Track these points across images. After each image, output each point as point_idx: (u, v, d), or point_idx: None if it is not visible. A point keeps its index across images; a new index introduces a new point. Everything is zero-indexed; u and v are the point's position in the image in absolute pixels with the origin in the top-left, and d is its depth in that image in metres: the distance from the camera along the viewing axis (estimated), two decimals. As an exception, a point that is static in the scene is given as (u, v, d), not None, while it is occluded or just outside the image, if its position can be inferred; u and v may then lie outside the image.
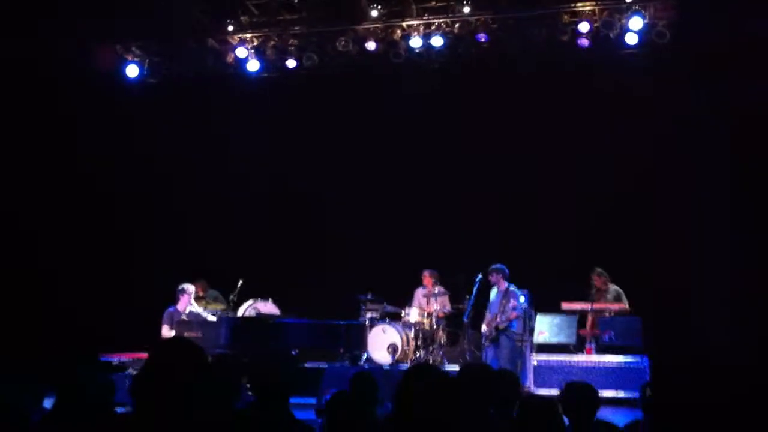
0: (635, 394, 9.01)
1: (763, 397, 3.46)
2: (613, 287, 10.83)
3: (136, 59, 12.27)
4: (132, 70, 12.20)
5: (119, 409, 3.67)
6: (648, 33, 10.72)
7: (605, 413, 4.68)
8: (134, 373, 8.99)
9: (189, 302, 10.08)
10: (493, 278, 10.28)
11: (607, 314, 10.51)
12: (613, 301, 10.68)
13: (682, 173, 10.65)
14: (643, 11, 10.67)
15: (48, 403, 3.92)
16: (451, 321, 11.10)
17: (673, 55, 10.39)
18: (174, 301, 10.04)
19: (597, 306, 10.61)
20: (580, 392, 4.32)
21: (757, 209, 9.90)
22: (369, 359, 10.68)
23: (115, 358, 9.31)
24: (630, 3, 10.66)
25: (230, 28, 11.74)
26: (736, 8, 9.25)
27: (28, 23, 10.30)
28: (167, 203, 12.30)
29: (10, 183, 11.20)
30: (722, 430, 3.48)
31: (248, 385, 4.01)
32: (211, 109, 12.49)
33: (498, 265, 10.28)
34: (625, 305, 10.56)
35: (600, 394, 4.49)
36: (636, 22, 10.67)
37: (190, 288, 10.15)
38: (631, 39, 10.85)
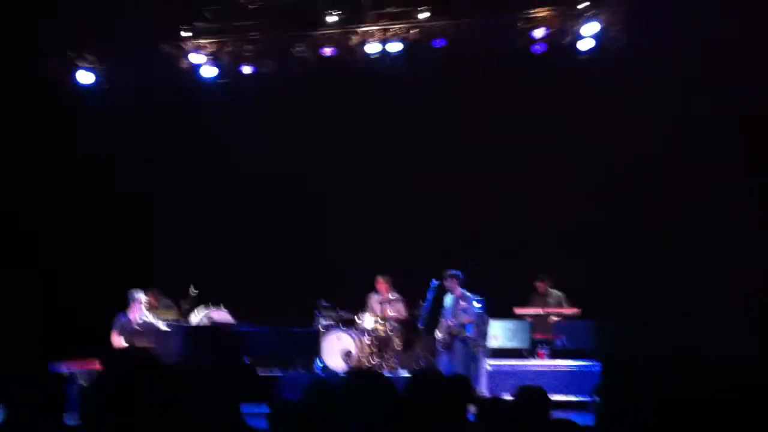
0: (587, 398, 9.15)
1: (715, 396, 3.54)
2: (555, 292, 11.02)
3: (90, 66, 11.88)
4: (86, 77, 11.78)
5: (69, 421, 3.60)
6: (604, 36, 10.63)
7: (558, 417, 4.75)
8: (84, 384, 8.83)
9: (140, 310, 9.93)
10: (448, 284, 10.32)
11: (557, 318, 10.69)
12: (556, 306, 10.87)
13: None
14: (598, 17, 10.59)
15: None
16: (407, 327, 11.11)
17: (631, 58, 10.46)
18: (125, 307, 9.89)
19: (549, 310, 10.77)
20: (531, 395, 4.39)
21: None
22: (324, 366, 10.65)
23: (65, 369, 9.13)
24: (583, 9, 10.60)
25: (186, 34, 11.54)
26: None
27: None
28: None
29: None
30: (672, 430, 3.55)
31: (201, 394, 3.97)
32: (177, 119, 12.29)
33: (453, 271, 10.30)
34: (574, 309, 10.72)
35: (553, 398, 4.56)
36: (591, 28, 10.59)
37: (141, 296, 9.98)
38: (587, 44, 10.73)
